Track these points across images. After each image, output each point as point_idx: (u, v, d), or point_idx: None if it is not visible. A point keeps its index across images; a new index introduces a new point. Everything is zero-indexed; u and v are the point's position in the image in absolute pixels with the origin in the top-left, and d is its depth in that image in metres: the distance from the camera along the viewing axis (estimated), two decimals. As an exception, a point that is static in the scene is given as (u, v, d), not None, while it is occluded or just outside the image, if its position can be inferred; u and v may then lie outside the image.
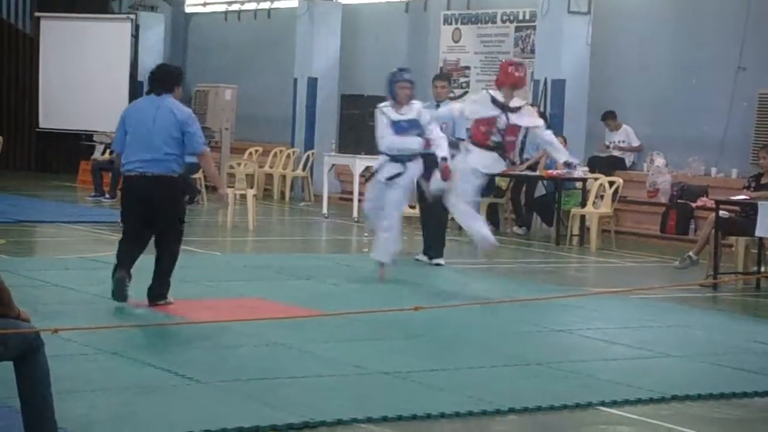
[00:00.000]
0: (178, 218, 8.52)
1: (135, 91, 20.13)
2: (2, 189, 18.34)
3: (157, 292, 8.47)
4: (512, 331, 8.26)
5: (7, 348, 4.38)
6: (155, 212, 8.38)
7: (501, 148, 10.14)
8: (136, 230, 8.49)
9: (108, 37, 21.47)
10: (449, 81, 12.40)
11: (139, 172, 8.32)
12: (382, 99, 17.14)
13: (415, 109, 10.36)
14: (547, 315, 8.97)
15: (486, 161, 10.13)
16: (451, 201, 10.27)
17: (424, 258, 11.92)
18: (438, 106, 11.87)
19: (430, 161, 10.31)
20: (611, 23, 16.98)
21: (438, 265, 11.67)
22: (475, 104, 10.33)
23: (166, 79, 8.56)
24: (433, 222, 11.85)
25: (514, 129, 10.11)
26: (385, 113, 10.43)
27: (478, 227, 10.25)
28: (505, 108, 10.08)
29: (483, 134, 10.06)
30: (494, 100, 10.09)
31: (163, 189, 8.33)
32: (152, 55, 23.17)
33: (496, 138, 10.06)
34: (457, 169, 10.12)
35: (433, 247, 11.82)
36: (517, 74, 10.12)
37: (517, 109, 10.15)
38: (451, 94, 12.81)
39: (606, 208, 14.62)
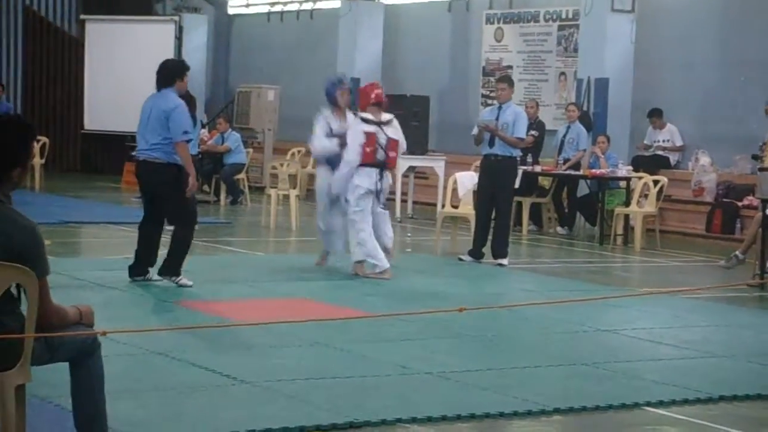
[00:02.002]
0: (178, 204, 9.08)
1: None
2: (48, 190, 18.53)
3: (166, 267, 9.19)
4: (557, 331, 8.22)
5: (56, 352, 4.39)
6: (154, 196, 9.22)
7: (384, 165, 10.50)
8: (148, 212, 9.36)
9: (152, 38, 21.61)
10: (511, 83, 12.38)
11: (138, 158, 9.26)
12: (425, 99, 17.32)
13: (350, 120, 10.65)
14: (592, 315, 8.91)
15: (371, 178, 10.40)
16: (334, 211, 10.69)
17: (469, 258, 11.89)
18: (500, 108, 11.88)
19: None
20: (655, 21, 16.85)
21: (501, 265, 11.65)
22: (356, 129, 10.49)
23: (163, 74, 9.22)
24: (499, 221, 11.85)
25: (393, 144, 10.47)
26: (327, 120, 10.73)
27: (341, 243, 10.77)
28: (380, 124, 10.43)
29: (368, 154, 10.35)
30: (366, 120, 10.40)
31: (155, 174, 9.07)
32: (195, 57, 23.29)
33: (380, 156, 10.40)
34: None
35: (498, 246, 11.80)
36: (377, 91, 10.51)
37: (389, 122, 10.55)
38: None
39: (650, 207, 14.51)
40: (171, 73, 9.23)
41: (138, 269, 9.33)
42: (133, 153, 9.57)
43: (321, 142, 10.72)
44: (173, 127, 9.00)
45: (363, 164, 10.37)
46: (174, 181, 9.08)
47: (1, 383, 4.15)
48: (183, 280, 9.19)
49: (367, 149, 10.35)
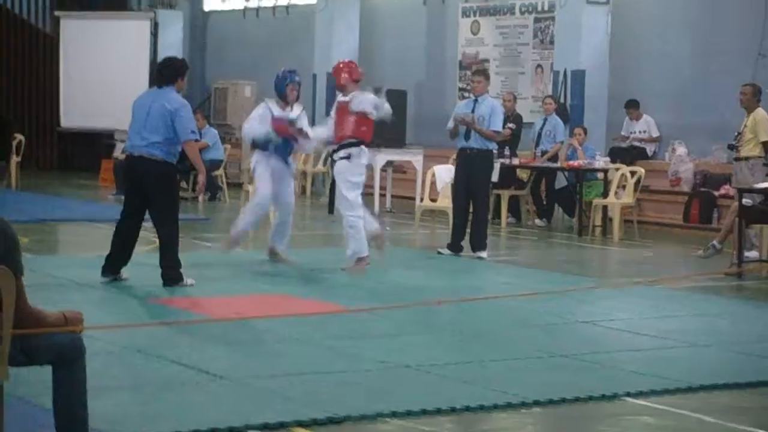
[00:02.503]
0: (168, 203, 9.06)
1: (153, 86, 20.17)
2: (24, 188, 18.42)
3: (167, 275, 9.05)
4: (536, 323, 8.24)
5: (32, 356, 4.35)
6: (146, 193, 9.00)
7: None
8: (130, 209, 9.16)
9: (127, 35, 21.53)
10: (486, 76, 12.40)
11: (131, 153, 9.08)
12: (402, 93, 17.30)
13: (297, 110, 10.67)
14: (571, 306, 8.94)
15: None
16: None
17: (448, 251, 11.90)
18: (476, 101, 11.89)
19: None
20: (630, 13, 16.90)
21: (480, 258, 11.65)
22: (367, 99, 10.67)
23: (166, 72, 9.15)
24: (477, 215, 11.84)
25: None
26: (270, 107, 10.70)
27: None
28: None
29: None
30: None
31: (153, 171, 8.93)
32: (171, 53, 22.92)
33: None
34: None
35: (476, 239, 11.80)
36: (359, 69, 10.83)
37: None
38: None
39: (628, 198, 14.56)
40: (175, 71, 9.15)
41: (111, 268, 9.17)
42: (126, 150, 9.33)
43: (251, 125, 10.61)
44: (181, 126, 8.94)
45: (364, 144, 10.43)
46: (171, 180, 9.14)
47: (-22, 383, 4.12)
48: (189, 281, 9.15)
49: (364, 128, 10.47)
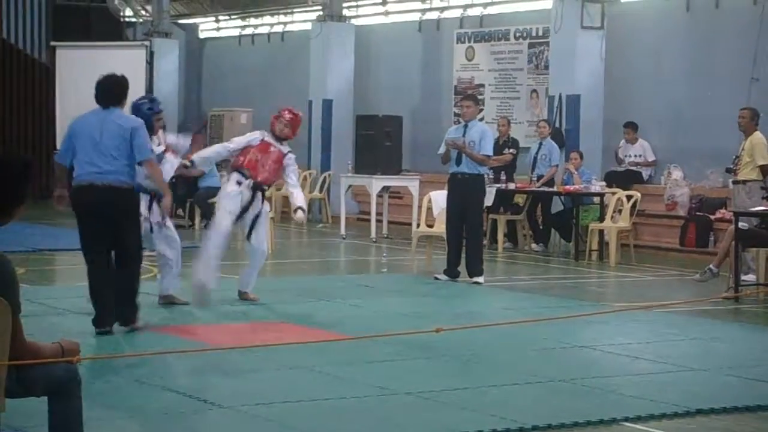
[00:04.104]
0: (139, 236, 8.32)
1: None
2: (21, 218, 18.37)
3: (126, 315, 8.25)
4: (534, 349, 8.23)
5: (31, 386, 4.33)
6: (110, 225, 8.09)
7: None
8: (95, 247, 8.15)
9: (123, 64, 21.46)
10: (476, 101, 12.46)
11: (88, 181, 8.08)
12: (397, 119, 17.35)
13: (172, 138, 10.22)
14: (569, 331, 8.93)
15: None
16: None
17: (444, 277, 11.90)
18: (467, 125, 11.93)
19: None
20: (625, 37, 16.98)
21: (477, 283, 11.65)
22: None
23: (115, 91, 8.35)
24: (471, 240, 11.85)
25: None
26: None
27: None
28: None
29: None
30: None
31: (121, 200, 8.09)
32: (167, 81, 23.32)
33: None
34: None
35: (472, 265, 11.80)
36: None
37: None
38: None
39: (624, 222, 14.57)
40: (123, 90, 8.37)
41: (108, 318, 8.24)
42: (77, 181, 8.24)
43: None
44: (141, 145, 8.15)
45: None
46: (137, 208, 8.47)
47: (-24, 414, 4.11)
48: (143, 321, 8.39)
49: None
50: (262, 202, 10.14)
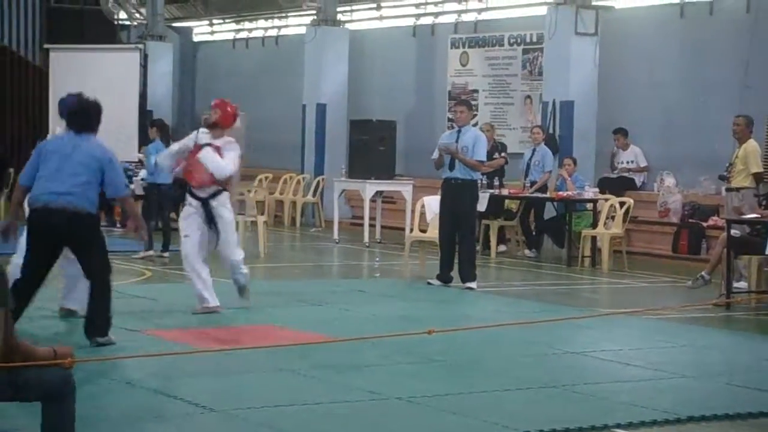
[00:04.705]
0: (103, 250, 7.99)
1: (144, 120, 20.19)
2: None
3: (96, 327, 7.92)
4: (526, 354, 8.22)
5: (20, 391, 4.32)
6: (66, 246, 7.90)
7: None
8: (36, 271, 7.85)
9: (117, 67, 21.56)
10: (469, 106, 12.47)
11: (44, 203, 7.74)
12: (391, 124, 17.36)
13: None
14: (561, 337, 8.93)
15: None
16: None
17: (437, 282, 11.89)
18: (460, 131, 11.93)
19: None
20: (619, 44, 17.00)
21: (469, 288, 11.64)
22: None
23: (90, 116, 8.01)
24: (463, 245, 11.84)
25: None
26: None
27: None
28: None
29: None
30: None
31: (70, 223, 7.72)
32: (161, 84, 23.28)
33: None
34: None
35: (464, 270, 11.79)
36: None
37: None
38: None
39: (617, 228, 14.58)
40: (98, 116, 8.03)
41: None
42: (35, 200, 7.84)
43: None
44: (116, 181, 7.93)
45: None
46: (99, 227, 8.13)
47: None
48: (112, 338, 8.02)
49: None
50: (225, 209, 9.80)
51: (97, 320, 7.93)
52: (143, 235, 8.73)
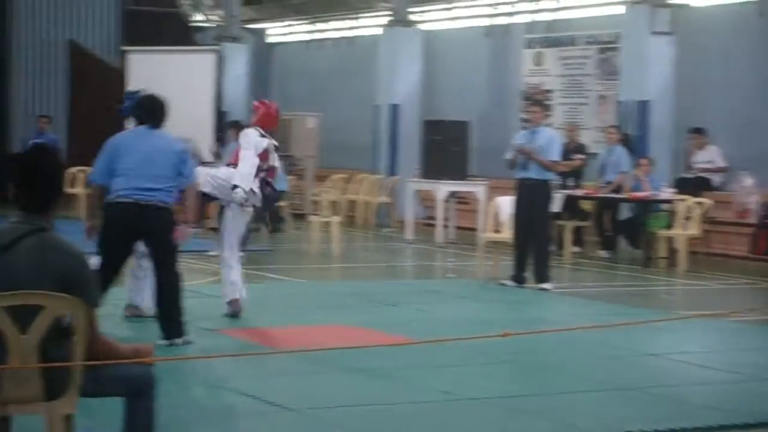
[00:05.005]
0: (171, 249, 8.03)
1: (219, 121, 20.40)
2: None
3: (175, 329, 7.97)
4: (602, 356, 8.16)
5: (105, 385, 4.39)
6: (147, 242, 8.04)
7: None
8: (117, 262, 7.98)
9: (192, 68, 21.78)
10: (543, 106, 12.40)
11: (133, 200, 7.84)
12: (464, 124, 17.33)
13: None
14: (637, 339, 8.84)
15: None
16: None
17: (511, 283, 11.84)
18: (534, 131, 11.88)
19: None
20: (696, 42, 16.77)
21: (544, 289, 11.59)
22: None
23: (160, 112, 8.20)
24: (538, 246, 11.79)
25: (274, 170, 9.67)
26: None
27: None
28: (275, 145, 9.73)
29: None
30: (264, 136, 9.55)
31: (157, 219, 7.89)
32: (236, 86, 23.48)
33: (262, 175, 9.51)
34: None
35: (539, 271, 11.74)
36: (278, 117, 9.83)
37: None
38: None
39: (694, 229, 14.39)
40: (166, 111, 8.23)
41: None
42: (120, 195, 7.90)
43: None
44: (188, 169, 8.10)
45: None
46: (173, 225, 8.09)
47: (50, 412, 4.18)
48: (189, 337, 8.09)
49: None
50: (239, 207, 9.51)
51: (174, 320, 7.99)
52: (188, 228, 8.20)
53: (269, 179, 9.61)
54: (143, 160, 7.91)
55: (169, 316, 8.02)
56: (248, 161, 9.29)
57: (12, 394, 4.16)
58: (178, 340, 7.92)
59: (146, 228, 7.92)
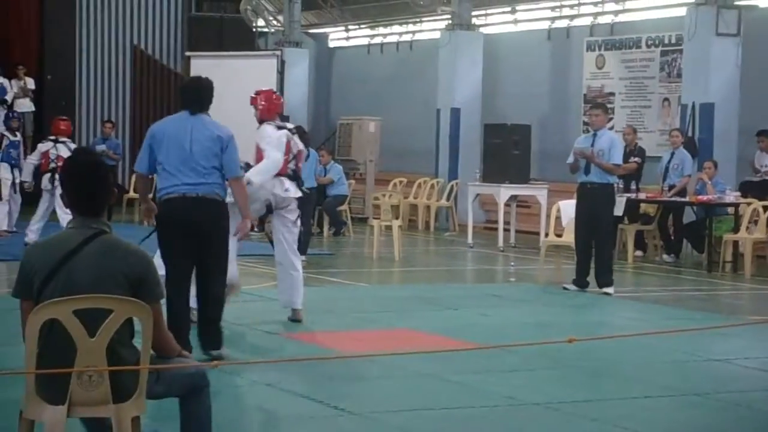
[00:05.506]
0: (227, 248, 7.53)
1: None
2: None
3: (213, 340, 7.49)
4: (666, 361, 8.08)
5: (169, 386, 4.46)
6: (198, 240, 7.33)
7: (297, 177, 9.23)
8: (184, 268, 7.36)
9: (255, 73, 21.93)
10: (605, 110, 12.32)
11: (182, 193, 7.30)
12: (526, 128, 17.27)
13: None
14: (702, 344, 8.74)
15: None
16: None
17: (573, 287, 11.77)
18: (595, 134, 11.80)
19: None
20: (762, 44, 16.55)
21: (606, 294, 11.51)
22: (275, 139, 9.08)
23: (205, 95, 7.56)
24: (600, 250, 11.71)
25: (301, 154, 9.34)
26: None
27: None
28: (290, 131, 9.30)
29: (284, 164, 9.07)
30: (280, 127, 9.21)
31: (208, 212, 7.31)
32: (297, 90, 23.60)
33: (291, 166, 9.16)
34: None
35: (601, 275, 11.67)
36: (280, 101, 9.45)
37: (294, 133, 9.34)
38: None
39: (760, 233, 14.20)
40: (211, 94, 7.59)
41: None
42: (168, 192, 7.41)
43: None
44: (233, 160, 7.43)
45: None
46: (227, 222, 7.56)
47: (118, 414, 4.23)
48: (225, 350, 7.59)
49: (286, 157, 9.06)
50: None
51: (213, 330, 7.49)
52: (245, 226, 7.71)
53: (298, 167, 9.23)
54: (184, 151, 7.32)
55: (210, 329, 7.48)
56: (270, 159, 8.88)
57: (81, 396, 4.22)
58: (215, 352, 7.44)
59: (196, 223, 7.29)
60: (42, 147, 14.93)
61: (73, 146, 14.83)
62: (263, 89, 9.48)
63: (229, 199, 7.67)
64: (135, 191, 17.87)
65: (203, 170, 7.31)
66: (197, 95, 7.54)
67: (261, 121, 9.20)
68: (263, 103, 9.22)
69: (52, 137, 14.90)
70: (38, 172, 14.74)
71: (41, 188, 14.68)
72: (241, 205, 7.61)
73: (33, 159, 14.97)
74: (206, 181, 7.31)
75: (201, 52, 23.73)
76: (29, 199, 15.53)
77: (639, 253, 15.52)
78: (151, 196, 8.03)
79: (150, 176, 7.69)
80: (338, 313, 9.83)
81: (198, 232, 7.31)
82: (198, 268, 7.43)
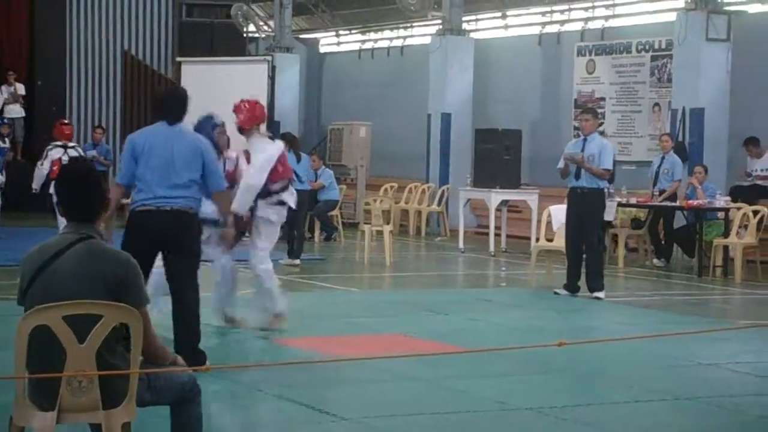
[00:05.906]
0: (193, 260, 7.40)
1: (272, 130, 20.51)
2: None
3: (192, 351, 7.14)
4: (657, 365, 8.09)
5: (158, 394, 4.45)
6: (169, 252, 7.27)
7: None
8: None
9: (246, 78, 21.93)
10: (595, 115, 12.35)
11: (156, 206, 7.21)
12: (517, 133, 17.29)
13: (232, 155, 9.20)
14: (693, 348, 8.75)
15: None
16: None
17: (564, 292, 11.79)
18: (585, 139, 11.82)
19: None
20: (752, 49, 16.60)
21: (597, 298, 11.53)
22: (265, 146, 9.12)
23: (183, 105, 7.49)
24: (590, 255, 11.74)
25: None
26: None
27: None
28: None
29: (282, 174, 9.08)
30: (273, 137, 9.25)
31: (179, 223, 7.23)
32: (288, 95, 23.61)
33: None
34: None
35: (592, 280, 11.69)
36: (264, 112, 9.28)
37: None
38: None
39: (750, 238, 14.23)
40: (186, 106, 7.50)
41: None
42: (142, 203, 7.32)
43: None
44: (216, 173, 7.42)
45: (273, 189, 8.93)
46: (198, 233, 7.54)
47: (109, 420, 4.22)
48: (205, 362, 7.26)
49: (280, 169, 9.02)
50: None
51: (190, 343, 7.25)
52: (228, 234, 7.82)
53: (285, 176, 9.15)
54: (164, 163, 7.24)
55: (187, 340, 7.25)
56: (252, 184, 8.82)
57: (70, 403, 4.21)
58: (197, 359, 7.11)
59: (169, 237, 7.20)
60: (54, 154, 14.43)
61: (81, 151, 14.69)
62: (248, 99, 9.37)
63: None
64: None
65: (182, 183, 7.23)
66: (176, 105, 7.47)
67: (240, 130, 9.13)
68: (247, 114, 9.10)
69: (60, 143, 14.45)
70: (48, 179, 14.38)
71: (50, 194, 14.51)
72: (225, 216, 7.65)
73: (46, 168, 14.41)
74: (183, 195, 7.23)
75: (192, 58, 23.71)
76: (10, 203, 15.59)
77: (630, 257, 15.53)
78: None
79: (130, 189, 7.52)
80: (329, 319, 9.83)
81: (165, 242, 7.21)
82: (170, 285, 7.34)
